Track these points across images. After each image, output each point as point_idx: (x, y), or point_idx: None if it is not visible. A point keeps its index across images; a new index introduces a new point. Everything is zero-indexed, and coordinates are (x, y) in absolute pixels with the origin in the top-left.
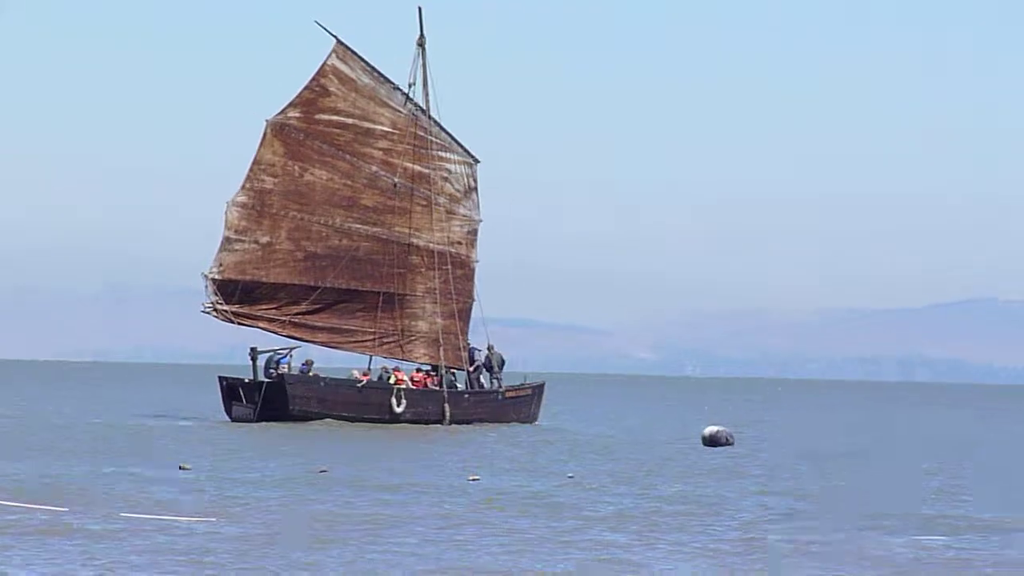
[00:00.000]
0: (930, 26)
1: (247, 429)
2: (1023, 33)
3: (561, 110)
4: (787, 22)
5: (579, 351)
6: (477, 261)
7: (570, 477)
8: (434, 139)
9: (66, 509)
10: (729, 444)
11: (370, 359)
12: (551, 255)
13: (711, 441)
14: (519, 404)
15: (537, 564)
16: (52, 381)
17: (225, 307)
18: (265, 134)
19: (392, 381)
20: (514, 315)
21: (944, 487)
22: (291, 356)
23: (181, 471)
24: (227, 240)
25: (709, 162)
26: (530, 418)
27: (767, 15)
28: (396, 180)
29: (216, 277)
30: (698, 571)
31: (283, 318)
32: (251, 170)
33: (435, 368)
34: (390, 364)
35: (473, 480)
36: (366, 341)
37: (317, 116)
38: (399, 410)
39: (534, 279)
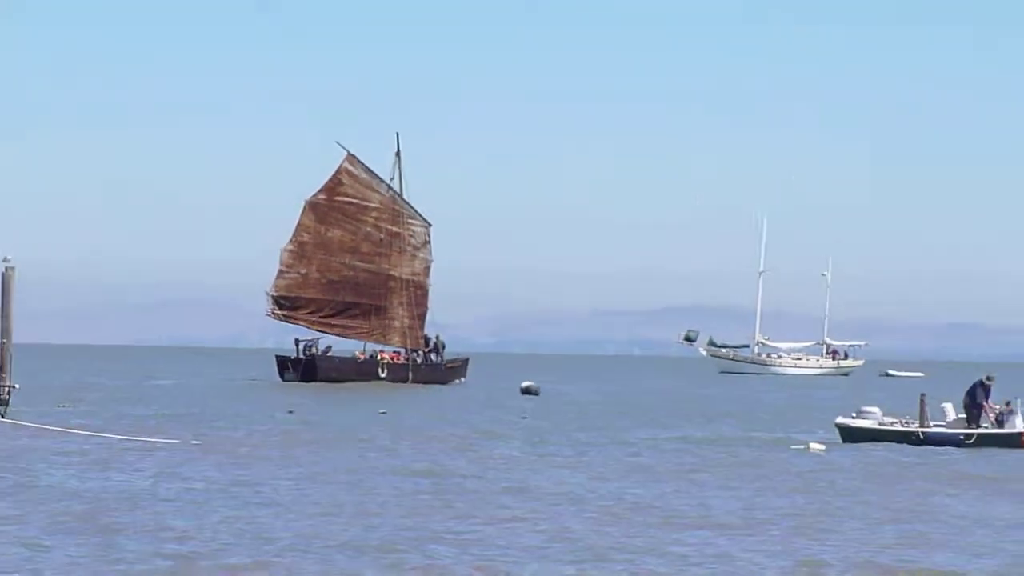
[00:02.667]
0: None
1: (292, 387)
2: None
3: (494, 188)
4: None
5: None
6: (431, 285)
7: (382, 413)
8: (404, 211)
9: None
10: (537, 394)
11: (364, 344)
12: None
13: (526, 391)
14: (455, 370)
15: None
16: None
17: (280, 312)
18: (305, 208)
19: (379, 358)
20: None
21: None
22: (318, 342)
23: (289, 414)
24: (281, 272)
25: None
26: (460, 378)
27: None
28: (382, 236)
29: (274, 295)
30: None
31: (314, 319)
32: (296, 229)
33: (405, 350)
34: (378, 348)
35: (382, 413)
36: (363, 333)
37: (335, 198)
38: (383, 375)
39: None
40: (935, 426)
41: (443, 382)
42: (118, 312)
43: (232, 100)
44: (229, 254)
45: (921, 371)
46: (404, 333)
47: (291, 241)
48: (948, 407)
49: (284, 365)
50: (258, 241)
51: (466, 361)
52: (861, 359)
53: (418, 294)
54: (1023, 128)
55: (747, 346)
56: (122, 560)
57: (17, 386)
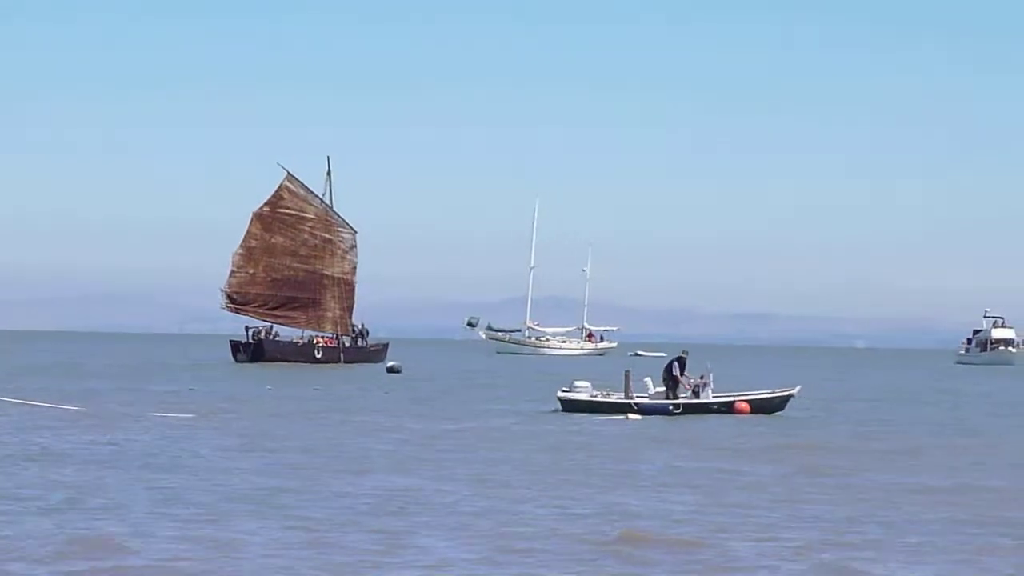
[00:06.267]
0: None
1: (241, 366)
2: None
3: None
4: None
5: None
6: (357, 282)
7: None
8: (335, 221)
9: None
10: (399, 372)
11: (303, 331)
12: None
13: (391, 369)
14: (378, 353)
15: None
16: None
17: (232, 305)
18: (252, 218)
19: (315, 342)
20: None
21: None
22: (265, 330)
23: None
24: (232, 272)
25: None
26: (382, 360)
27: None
28: (316, 242)
29: (227, 290)
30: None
31: (261, 311)
32: (245, 236)
33: (336, 336)
34: (314, 334)
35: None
36: (301, 322)
37: (278, 210)
38: (319, 356)
39: None
40: (638, 397)
41: (367, 361)
42: (105, 304)
43: (189, 126)
44: (192, 255)
45: (664, 351)
46: (335, 322)
47: (241, 246)
48: (648, 381)
49: (236, 348)
50: (214, 246)
51: (386, 345)
52: (615, 342)
53: (346, 289)
54: (804, 121)
55: (520, 330)
56: None
57: None
